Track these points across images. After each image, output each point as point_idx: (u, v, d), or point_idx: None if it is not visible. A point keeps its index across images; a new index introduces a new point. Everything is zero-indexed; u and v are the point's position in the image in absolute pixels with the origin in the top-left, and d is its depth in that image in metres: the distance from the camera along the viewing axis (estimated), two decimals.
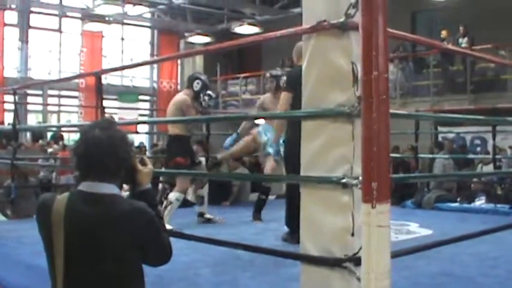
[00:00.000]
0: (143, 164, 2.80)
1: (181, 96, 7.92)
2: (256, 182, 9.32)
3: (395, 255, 3.39)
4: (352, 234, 2.93)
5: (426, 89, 16.58)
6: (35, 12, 19.92)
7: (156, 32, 22.31)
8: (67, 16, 20.14)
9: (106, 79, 20.74)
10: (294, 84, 5.62)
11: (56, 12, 20.01)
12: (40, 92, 19.58)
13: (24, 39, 19.50)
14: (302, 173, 3.17)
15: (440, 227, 7.28)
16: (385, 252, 2.24)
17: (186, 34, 21.58)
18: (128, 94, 20.76)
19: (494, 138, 10.07)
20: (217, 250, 5.09)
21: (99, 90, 5.54)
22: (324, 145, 3.04)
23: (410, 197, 10.85)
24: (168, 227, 7.02)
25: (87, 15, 19.55)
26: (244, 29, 19.48)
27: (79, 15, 19.90)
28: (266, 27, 19.78)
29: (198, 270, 5.08)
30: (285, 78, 6.93)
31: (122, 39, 21.80)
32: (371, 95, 2.24)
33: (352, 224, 2.93)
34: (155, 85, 22.36)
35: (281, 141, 7.10)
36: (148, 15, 21.74)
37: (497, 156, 10.70)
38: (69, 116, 20.94)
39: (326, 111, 3.01)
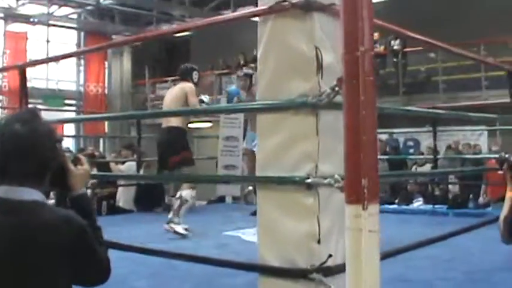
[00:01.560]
0: (77, 164, 2.34)
1: (185, 84, 7.42)
2: None
3: None
4: (319, 242, 2.59)
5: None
6: None
7: (82, 33, 21.59)
8: None
9: (31, 82, 19.99)
10: None
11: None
12: None
13: None
14: (258, 173, 2.82)
15: (383, 229, 7.03)
16: (376, 261, 1.91)
17: (114, 36, 20.94)
18: (54, 98, 19.96)
19: (435, 138, 9.93)
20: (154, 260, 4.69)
21: (23, 87, 4.99)
22: (284, 141, 2.70)
23: None
24: (181, 228, 6.88)
25: (11, 15, 18.76)
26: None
27: (2, 15, 19.05)
28: (196, 29, 19.41)
29: (134, 282, 4.69)
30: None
31: (48, 41, 20.98)
32: (357, 75, 1.90)
33: (318, 230, 2.60)
34: (81, 88, 21.62)
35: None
36: (75, 16, 21.03)
37: (438, 157, 10.58)
38: None
39: (286, 102, 2.68)
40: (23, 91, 4.95)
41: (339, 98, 2.65)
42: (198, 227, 7.41)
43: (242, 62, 18.66)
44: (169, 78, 20.43)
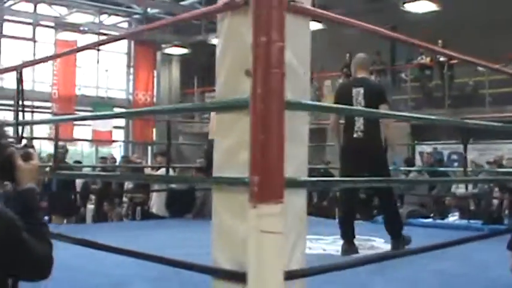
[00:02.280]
0: (27, 158, 2.32)
1: None
2: None
3: (335, 268, 3.03)
4: None
5: (404, 103, 16.27)
6: (9, 21, 19.46)
7: (132, 42, 21.87)
8: (41, 25, 19.67)
9: (80, 90, 20.37)
10: (341, 97, 6.17)
11: (30, 20, 19.57)
12: (12, 102, 19.05)
13: None
14: (215, 173, 2.75)
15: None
16: (275, 266, 1.82)
17: (163, 45, 21.17)
18: (103, 105, 20.26)
19: (465, 151, 9.66)
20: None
21: (19, 88, 5.03)
22: (238, 142, 2.62)
23: None
24: None
25: (61, 24, 19.12)
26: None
27: (52, 24, 19.45)
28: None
29: (131, 286, 4.66)
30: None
31: (98, 49, 21.34)
32: (258, 66, 1.82)
33: None
34: (130, 97, 21.87)
35: None
36: (125, 25, 21.32)
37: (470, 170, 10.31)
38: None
39: (240, 101, 2.60)
40: (18, 91, 4.96)
41: (290, 97, 2.59)
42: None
43: None
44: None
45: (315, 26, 18.65)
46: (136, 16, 20.24)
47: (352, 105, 5.95)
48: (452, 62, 15.42)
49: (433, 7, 16.27)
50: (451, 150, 15.16)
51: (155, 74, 22.25)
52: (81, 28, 19.38)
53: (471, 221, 9.98)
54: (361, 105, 6.01)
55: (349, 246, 6.15)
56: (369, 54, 15.62)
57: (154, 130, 21.12)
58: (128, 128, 21.13)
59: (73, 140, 18.36)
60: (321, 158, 14.99)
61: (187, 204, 9.67)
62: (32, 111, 17.87)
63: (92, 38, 20.72)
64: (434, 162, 13.42)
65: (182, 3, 19.04)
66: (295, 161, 2.66)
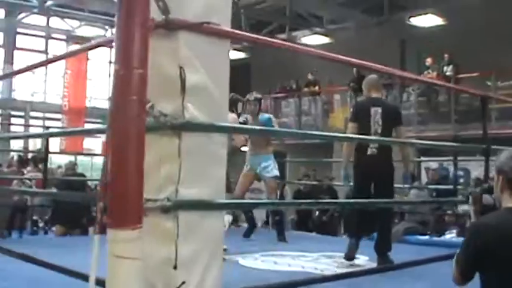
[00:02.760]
0: None
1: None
2: None
3: None
4: (175, 267, 2.50)
5: (410, 117, 16.16)
6: (22, 34, 19.69)
7: None
8: (52, 38, 19.90)
9: (90, 102, 20.53)
10: (359, 115, 6.43)
11: (43, 33, 19.80)
12: (23, 114, 19.30)
13: (9, 60, 19.25)
14: None
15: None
16: None
17: None
18: None
19: (455, 168, 9.59)
20: None
21: None
22: (153, 162, 2.62)
23: None
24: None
25: (72, 37, 19.31)
26: (230, 54, 19.07)
27: (64, 36, 19.66)
28: (252, 52, 19.56)
29: None
30: (352, 108, 6.95)
31: (110, 62, 21.50)
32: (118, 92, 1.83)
33: (175, 256, 2.51)
34: None
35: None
36: None
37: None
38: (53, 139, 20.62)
39: (154, 124, 2.60)
40: None
41: (203, 119, 2.59)
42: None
43: (294, 87, 18.68)
44: None
45: (322, 40, 18.72)
46: None
47: (370, 123, 6.27)
48: (458, 77, 15.32)
49: (439, 21, 16.22)
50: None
51: None
52: (92, 41, 19.51)
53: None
54: (379, 124, 6.29)
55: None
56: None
57: None
58: None
59: (79, 153, 18.47)
60: (326, 174, 14.98)
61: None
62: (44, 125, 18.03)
63: (103, 51, 20.91)
64: (440, 179, 13.32)
65: None
66: (213, 183, 2.66)
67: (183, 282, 2.48)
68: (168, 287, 2.50)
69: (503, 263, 2.56)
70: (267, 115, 8.49)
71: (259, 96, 8.39)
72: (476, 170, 14.72)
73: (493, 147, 4.52)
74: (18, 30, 19.54)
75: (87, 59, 20.31)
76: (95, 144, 20.51)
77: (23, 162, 14.08)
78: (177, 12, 2.55)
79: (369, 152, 6.34)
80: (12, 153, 16.26)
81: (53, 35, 19.86)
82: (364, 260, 7.02)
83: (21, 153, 15.24)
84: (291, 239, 8.91)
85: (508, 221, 2.63)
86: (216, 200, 2.65)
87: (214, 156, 2.65)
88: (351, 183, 6.76)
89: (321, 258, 6.98)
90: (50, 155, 14.60)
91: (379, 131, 6.31)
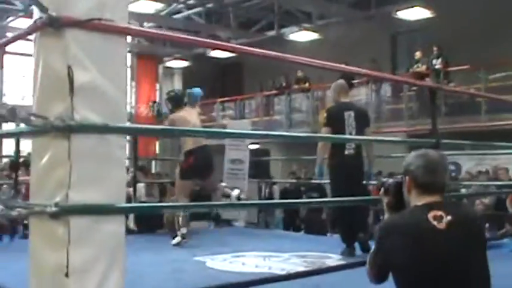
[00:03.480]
0: None
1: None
2: None
3: None
4: (67, 275, 2.39)
5: (401, 112, 16.02)
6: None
7: (133, 56, 21.92)
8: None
9: None
10: (333, 120, 6.82)
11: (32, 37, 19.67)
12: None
13: None
14: (31, 199, 2.64)
15: None
16: None
17: (165, 58, 21.19)
18: None
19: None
20: None
21: None
22: (46, 166, 2.53)
23: None
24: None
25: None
26: (219, 53, 19.00)
27: None
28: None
29: None
30: (325, 113, 7.17)
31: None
32: None
33: (67, 263, 2.39)
34: (133, 110, 21.89)
35: None
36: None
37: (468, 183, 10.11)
38: None
39: (43, 126, 2.49)
40: None
41: (97, 120, 2.48)
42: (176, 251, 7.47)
43: (284, 84, 18.54)
44: (217, 100, 20.49)
45: (311, 36, 18.58)
46: None
47: (344, 127, 6.74)
48: (448, 70, 15.17)
49: (427, 14, 16.05)
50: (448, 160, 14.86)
51: (157, 87, 22.21)
52: None
53: None
54: (353, 126, 6.80)
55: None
56: (364, 62, 15.56)
57: (157, 145, 21.13)
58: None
59: None
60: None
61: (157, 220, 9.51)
62: None
63: None
64: None
65: (177, 16, 19.00)
66: (110, 187, 2.55)
67: None
68: None
69: (412, 259, 2.48)
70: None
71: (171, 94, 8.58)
72: (468, 163, 14.64)
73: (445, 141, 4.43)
74: (7, 34, 19.42)
75: None
76: None
77: (14, 166, 13.84)
78: (65, 9, 2.45)
79: (347, 152, 6.84)
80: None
81: None
82: (337, 258, 6.93)
83: (13, 158, 15.02)
84: (270, 238, 8.82)
85: (416, 219, 2.56)
86: (113, 204, 2.53)
87: (111, 159, 2.54)
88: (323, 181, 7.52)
89: (292, 258, 6.88)
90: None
91: (354, 133, 6.79)
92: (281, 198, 13.66)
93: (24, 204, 2.62)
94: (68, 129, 2.40)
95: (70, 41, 2.44)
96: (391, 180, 2.91)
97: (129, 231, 9.50)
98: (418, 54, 15.79)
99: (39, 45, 2.57)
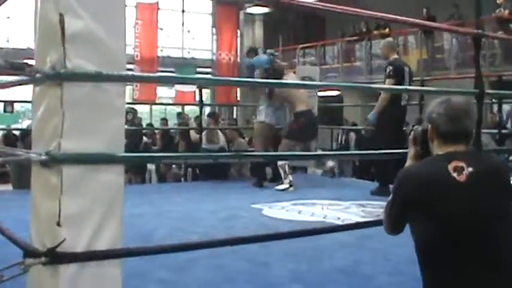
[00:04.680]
0: None
1: None
2: None
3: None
4: (59, 224, 2.41)
5: (482, 59, 15.37)
6: None
7: (214, 3, 21.87)
8: None
9: (162, 51, 20.62)
10: (397, 73, 7.50)
11: None
12: None
13: None
14: (33, 148, 2.65)
15: None
16: None
17: (246, 5, 21.05)
18: (186, 67, 20.43)
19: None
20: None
21: None
22: (43, 115, 2.54)
23: None
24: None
25: None
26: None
27: None
28: None
29: None
30: (390, 66, 7.64)
31: (183, 11, 21.51)
32: None
33: (59, 212, 2.41)
34: (214, 57, 21.93)
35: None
36: None
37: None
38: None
39: (39, 74, 2.49)
40: None
41: (92, 68, 2.46)
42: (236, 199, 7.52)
43: (364, 30, 18.14)
44: (298, 46, 20.28)
45: None
46: None
47: (404, 79, 7.52)
48: None
49: None
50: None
51: (238, 34, 22.15)
52: None
53: None
54: (406, 81, 7.57)
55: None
56: (446, 7, 15.00)
57: (238, 91, 21.19)
58: (213, 87, 21.17)
59: (151, 103, 18.75)
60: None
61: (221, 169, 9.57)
62: None
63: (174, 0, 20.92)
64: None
65: None
66: (106, 136, 2.53)
67: (64, 240, 2.38)
68: (52, 243, 2.41)
69: (429, 213, 2.34)
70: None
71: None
72: None
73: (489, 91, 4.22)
74: None
75: (158, 8, 20.34)
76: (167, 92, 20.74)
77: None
78: None
79: (403, 103, 7.70)
80: None
81: None
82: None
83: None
84: (338, 187, 8.74)
85: (435, 169, 2.39)
86: (109, 153, 2.51)
87: (107, 107, 2.51)
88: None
89: (351, 207, 6.82)
90: None
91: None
92: (356, 145, 13.50)
93: (23, 152, 2.64)
94: (59, 77, 2.39)
95: None
96: (419, 129, 2.73)
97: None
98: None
99: None
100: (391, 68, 7.58)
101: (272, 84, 6.82)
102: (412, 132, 2.74)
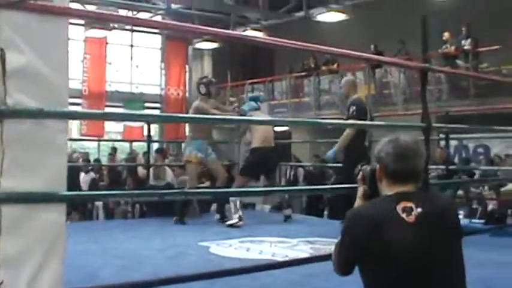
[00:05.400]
0: None
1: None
2: None
3: None
4: None
5: (430, 94, 15.66)
6: None
7: (163, 38, 21.89)
8: (71, 23, 19.78)
9: (111, 86, 20.48)
10: (362, 113, 7.30)
11: None
12: None
13: None
14: None
15: None
16: None
17: (194, 40, 21.11)
18: (134, 101, 20.33)
19: (447, 146, 9.17)
20: None
21: None
22: None
23: None
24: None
25: (90, 22, 19.21)
26: (249, 33, 18.88)
27: (82, 21, 19.55)
28: (272, 31, 19.26)
29: None
30: (353, 106, 7.43)
31: (131, 45, 21.43)
32: None
33: None
34: (163, 92, 21.86)
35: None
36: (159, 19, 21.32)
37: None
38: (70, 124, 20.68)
39: None
40: None
41: (34, 104, 2.39)
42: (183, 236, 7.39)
43: (312, 66, 18.33)
44: (247, 82, 20.37)
45: (339, 16, 18.26)
46: (160, 12, 20.18)
47: (366, 119, 7.37)
48: (477, 50, 14.79)
49: None
50: (476, 143, 14.53)
51: (187, 69, 22.16)
52: (111, 24, 19.36)
53: (473, 221, 9.53)
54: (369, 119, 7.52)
55: None
56: (393, 43, 15.27)
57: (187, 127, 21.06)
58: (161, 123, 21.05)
59: (98, 140, 18.55)
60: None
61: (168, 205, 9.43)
62: None
63: (121, 34, 20.82)
64: (463, 160, 12.77)
65: None
66: (48, 173, 2.46)
67: (1, 282, 2.29)
68: None
69: (378, 255, 2.32)
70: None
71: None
72: (498, 146, 14.25)
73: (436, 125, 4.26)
74: None
75: (106, 43, 20.24)
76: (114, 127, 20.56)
77: None
78: None
79: (366, 143, 7.65)
80: None
81: (71, 20, 19.72)
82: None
83: None
84: (286, 223, 8.70)
85: (384, 211, 2.38)
86: (50, 192, 2.44)
87: (48, 145, 2.45)
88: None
89: (299, 245, 6.78)
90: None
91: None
92: (304, 181, 13.54)
93: None
94: (1, 114, 2.31)
95: (3, 23, 2.35)
96: (368, 168, 2.71)
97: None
98: (446, 35, 15.45)
99: None
100: (354, 108, 7.39)
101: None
102: (361, 172, 2.73)
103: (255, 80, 20.55)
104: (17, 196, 2.35)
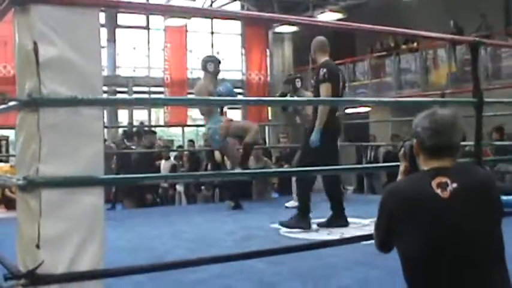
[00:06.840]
0: None
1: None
2: None
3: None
4: (38, 246, 2.45)
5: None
6: (122, 12, 20.11)
7: (242, 24, 22.00)
8: (153, 13, 20.15)
9: (192, 73, 20.75)
10: (333, 76, 6.59)
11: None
12: (126, 89, 19.81)
13: (111, 38, 19.75)
14: (17, 174, 2.72)
15: None
16: None
17: (274, 24, 21.13)
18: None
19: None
20: None
21: None
22: (23, 142, 2.62)
23: None
24: None
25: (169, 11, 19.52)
26: (327, 16, 18.81)
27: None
28: (350, 12, 19.12)
29: None
30: (324, 69, 6.70)
31: (212, 32, 21.67)
32: None
33: (38, 234, 2.45)
34: (244, 78, 22.03)
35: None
36: (237, 5, 21.47)
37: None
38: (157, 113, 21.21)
39: (18, 101, 2.56)
40: None
41: (68, 93, 2.51)
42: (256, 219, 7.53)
43: (392, 45, 18.07)
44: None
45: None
46: None
47: (339, 85, 6.63)
48: None
49: None
50: None
51: (268, 54, 22.24)
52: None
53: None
54: (341, 87, 6.75)
55: None
56: (473, 17, 14.86)
57: (269, 110, 21.21)
58: (245, 107, 21.24)
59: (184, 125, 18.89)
60: None
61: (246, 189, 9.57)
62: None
63: (201, 22, 21.04)
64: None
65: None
66: (84, 159, 2.57)
67: (42, 262, 2.43)
68: (33, 265, 2.46)
69: (412, 229, 2.31)
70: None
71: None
72: None
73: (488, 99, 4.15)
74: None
75: (187, 31, 20.52)
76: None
77: (128, 136, 14.29)
78: None
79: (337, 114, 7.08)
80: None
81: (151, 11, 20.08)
82: None
83: (127, 128, 15.62)
84: (364, 204, 8.60)
85: (419, 186, 2.35)
86: (87, 176, 2.56)
87: (84, 131, 2.57)
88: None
89: (371, 225, 6.71)
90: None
91: (340, 94, 6.78)
92: (384, 161, 13.39)
93: (7, 178, 2.71)
94: (35, 104, 2.45)
95: (35, 17, 2.47)
96: (408, 144, 2.68)
97: None
98: None
99: (14, 24, 2.61)
100: (325, 70, 6.68)
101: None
102: (402, 148, 2.71)
103: (336, 62, 20.37)
104: (56, 180, 2.48)
